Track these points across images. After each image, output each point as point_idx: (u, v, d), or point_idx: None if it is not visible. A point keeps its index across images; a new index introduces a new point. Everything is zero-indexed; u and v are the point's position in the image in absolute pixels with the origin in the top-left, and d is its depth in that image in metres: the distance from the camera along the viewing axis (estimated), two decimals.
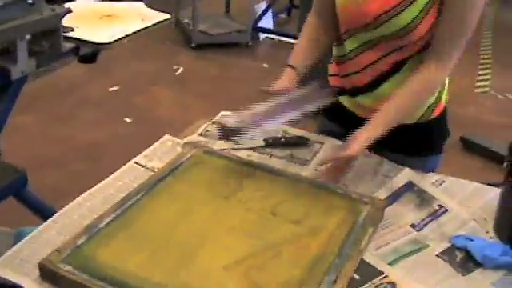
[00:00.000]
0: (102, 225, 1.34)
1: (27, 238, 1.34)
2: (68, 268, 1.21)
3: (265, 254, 1.28)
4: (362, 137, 1.52)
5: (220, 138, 1.62)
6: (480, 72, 5.64)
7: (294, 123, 1.72)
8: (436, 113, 1.75)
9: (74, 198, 1.46)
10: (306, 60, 1.76)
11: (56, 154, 3.68)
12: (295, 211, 1.42)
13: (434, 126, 1.77)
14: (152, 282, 1.19)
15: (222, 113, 1.87)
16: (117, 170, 1.58)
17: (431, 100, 1.71)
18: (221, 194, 1.48)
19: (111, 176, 1.56)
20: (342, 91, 1.78)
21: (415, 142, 1.76)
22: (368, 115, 1.65)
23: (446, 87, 1.77)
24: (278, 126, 1.75)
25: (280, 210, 1.42)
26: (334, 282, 1.20)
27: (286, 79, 1.70)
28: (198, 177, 1.55)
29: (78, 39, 2.01)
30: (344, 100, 1.80)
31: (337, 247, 1.30)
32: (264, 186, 1.51)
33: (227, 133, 1.58)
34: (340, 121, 1.83)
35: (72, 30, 2.02)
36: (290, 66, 1.73)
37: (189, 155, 1.62)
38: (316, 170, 1.65)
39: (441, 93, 1.74)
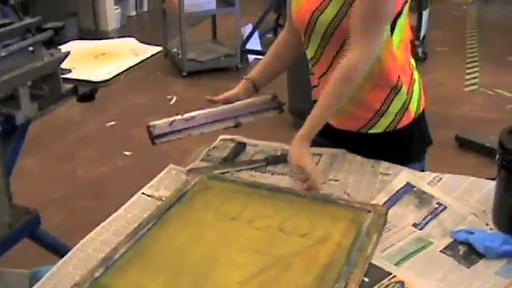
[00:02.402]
0: (116, 256, 1.38)
1: (47, 275, 1.38)
2: None
3: (276, 267, 1.32)
4: (303, 149, 1.66)
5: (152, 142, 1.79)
6: (468, 70, 5.71)
7: (226, 130, 1.88)
8: (404, 121, 1.79)
9: (82, 236, 1.50)
10: (264, 73, 1.95)
11: (59, 193, 3.73)
12: (301, 225, 1.47)
13: (406, 135, 1.81)
14: None
15: (221, 137, 1.93)
16: (121, 203, 1.63)
17: (396, 108, 1.76)
18: (228, 215, 1.53)
19: (121, 208, 1.60)
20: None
21: (388, 151, 1.79)
22: (339, 124, 1.82)
23: (416, 96, 1.81)
24: (205, 132, 1.84)
25: (286, 226, 1.47)
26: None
27: (237, 89, 1.91)
28: (204, 202, 1.60)
29: (77, 79, 2.07)
30: None
31: (344, 255, 1.35)
32: (269, 205, 1.56)
33: (153, 137, 1.78)
34: (320, 131, 1.91)
35: (70, 71, 2.07)
36: (247, 78, 1.92)
37: (193, 182, 1.67)
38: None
39: (407, 101, 1.77)
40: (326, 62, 1.77)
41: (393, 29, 1.68)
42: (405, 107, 1.77)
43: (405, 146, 1.83)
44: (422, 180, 1.66)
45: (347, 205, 1.55)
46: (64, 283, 1.33)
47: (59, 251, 2.11)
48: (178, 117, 1.81)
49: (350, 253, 1.35)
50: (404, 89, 1.75)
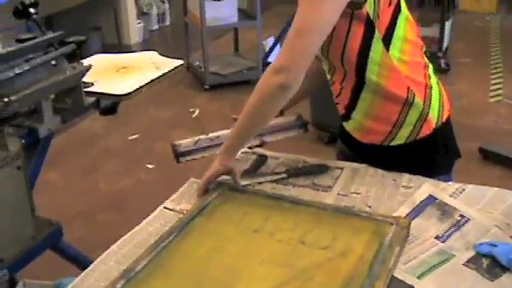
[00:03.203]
0: (138, 268, 1.39)
1: (68, 287, 1.39)
2: None
3: (298, 280, 1.32)
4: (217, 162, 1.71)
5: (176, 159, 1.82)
6: (492, 81, 5.67)
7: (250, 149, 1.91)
8: (425, 131, 1.76)
9: (105, 249, 1.51)
10: None
11: (83, 206, 3.75)
12: (323, 237, 1.47)
13: (429, 146, 1.79)
14: None
15: (243, 149, 1.93)
16: (144, 216, 1.64)
17: (413, 119, 1.74)
18: (249, 228, 1.53)
19: (143, 222, 1.61)
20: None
21: (412, 163, 1.79)
22: (362, 138, 1.82)
23: (436, 105, 1.77)
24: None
25: (308, 238, 1.47)
26: None
27: None
28: (226, 214, 1.61)
29: (99, 93, 2.09)
30: (344, 124, 1.88)
31: (366, 268, 1.34)
32: (290, 217, 1.56)
33: (177, 154, 1.81)
34: (347, 143, 1.92)
35: (92, 84, 2.09)
36: None
37: (215, 194, 1.68)
38: (337, 194, 1.71)
39: (424, 111, 1.74)
40: (339, 72, 1.76)
41: (388, 44, 1.66)
42: (423, 117, 1.74)
43: (428, 156, 1.81)
44: (445, 192, 1.65)
45: (369, 217, 1.54)
46: None
47: (82, 263, 2.12)
48: (203, 136, 1.85)
49: (372, 265, 1.35)
50: (418, 99, 1.72)
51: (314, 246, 1.44)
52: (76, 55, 1.98)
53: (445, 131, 1.82)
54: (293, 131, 1.92)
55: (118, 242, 1.53)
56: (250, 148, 1.90)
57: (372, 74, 1.67)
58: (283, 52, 1.59)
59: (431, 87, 1.77)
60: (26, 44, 1.89)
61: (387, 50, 1.66)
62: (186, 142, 1.83)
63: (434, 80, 1.80)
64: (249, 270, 1.37)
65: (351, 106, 1.77)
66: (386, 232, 1.46)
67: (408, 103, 1.72)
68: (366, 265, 1.35)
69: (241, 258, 1.42)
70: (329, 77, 1.81)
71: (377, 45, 1.65)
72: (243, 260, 1.41)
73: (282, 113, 1.94)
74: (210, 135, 1.85)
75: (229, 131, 1.84)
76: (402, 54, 1.69)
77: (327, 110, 1.93)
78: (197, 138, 1.84)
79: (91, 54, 2.49)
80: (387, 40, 1.65)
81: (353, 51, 1.65)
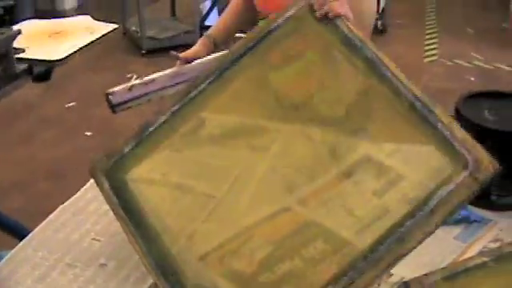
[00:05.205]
0: (154, 126, 1.28)
1: (5, 258, 1.36)
2: (106, 186, 1.26)
3: (280, 221, 1.06)
4: None
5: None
6: (427, 42, 5.76)
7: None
8: None
9: (44, 219, 1.49)
10: (224, 30, 1.95)
11: (20, 176, 3.66)
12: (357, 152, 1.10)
13: None
14: (169, 228, 1.15)
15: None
16: (83, 184, 1.61)
17: None
18: (289, 103, 1.19)
19: (81, 189, 1.59)
20: None
21: None
22: None
23: None
24: (166, 95, 1.76)
25: (342, 149, 1.10)
26: None
27: (196, 47, 1.87)
28: (284, 52, 1.26)
29: (31, 59, 2.04)
30: None
31: (373, 237, 0.95)
32: (349, 94, 1.17)
33: (112, 105, 1.71)
34: None
35: (23, 50, 2.04)
36: (207, 35, 1.90)
37: (290, 12, 1.29)
38: None
39: None
40: None
41: None
42: None
43: None
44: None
45: (445, 139, 1.05)
46: (23, 265, 1.32)
47: (20, 234, 2.06)
48: (138, 81, 1.72)
49: (386, 237, 0.95)
50: None
51: (341, 165, 1.06)
52: (5, 21, 1.91)
53: None
54: None
55: (56, 211, 1.51)
56: None
57: None
58: None
59: None
60: None
61: None
62: (120, 90, 1.71)
63: None
64: (247, 187, 1.13)
65: None
66: (449, 179, 0.99)
67: None
68: (380, 229, 0.96)
69: (249, 160, 1.15)
70: None
71: None
72: (250, 164, 1.15)
73: (217, 48, 1.89)
74: (145, 79, 1.72)
75: (163, 73, 1.76)
76: None
77: None
78: (131, 84, 1.71)
79: (23, 20, 2.42)
80: None
81: None
